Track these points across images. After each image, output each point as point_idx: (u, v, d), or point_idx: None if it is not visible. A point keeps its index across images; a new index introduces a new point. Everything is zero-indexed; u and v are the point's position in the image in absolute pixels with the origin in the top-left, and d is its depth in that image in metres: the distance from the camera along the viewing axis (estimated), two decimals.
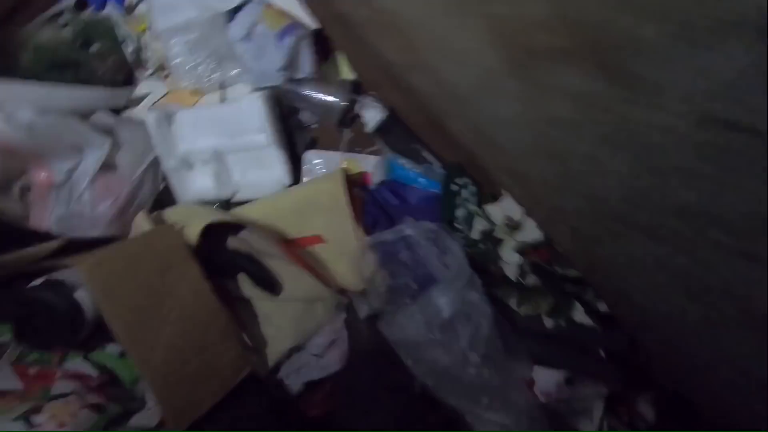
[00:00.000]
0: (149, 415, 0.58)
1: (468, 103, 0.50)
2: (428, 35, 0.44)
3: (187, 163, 0.76)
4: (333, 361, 0.75)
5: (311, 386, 0.74)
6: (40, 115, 0.59)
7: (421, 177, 0.74)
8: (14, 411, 0.48)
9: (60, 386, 0.51)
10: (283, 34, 0.64)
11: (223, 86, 0.77)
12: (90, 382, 0.54)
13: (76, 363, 0.57)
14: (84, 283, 0.52)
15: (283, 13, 0.67)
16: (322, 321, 0.74)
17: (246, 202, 0.77)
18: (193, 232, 0.65)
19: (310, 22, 0.70)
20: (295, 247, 0.72)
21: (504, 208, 0.63)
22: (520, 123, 0.42)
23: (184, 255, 0.64)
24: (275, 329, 0.73)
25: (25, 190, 0.69)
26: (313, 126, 0.83)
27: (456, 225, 0.70)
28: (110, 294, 0.53)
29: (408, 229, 0.68)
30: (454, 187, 0.70)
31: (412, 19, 0.44)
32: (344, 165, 0.80)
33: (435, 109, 0.60)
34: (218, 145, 0.75)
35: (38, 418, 0.47)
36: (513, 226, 0.60)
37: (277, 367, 0.73)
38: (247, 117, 0.73)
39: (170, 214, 0.71)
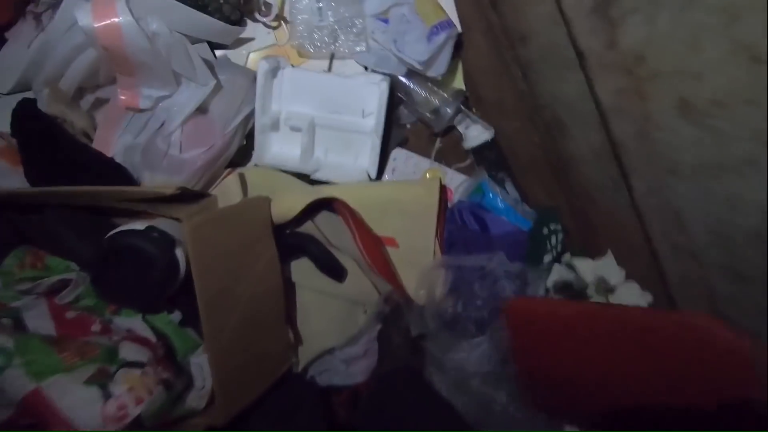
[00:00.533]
0: (199, 396, 0.52)
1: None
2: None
3: (276, 125, 0.69)
4: (358, 372, 0.73)
5: (330, 390, 0.72)
6: (164, 29, 0.50)
7: (510, 210, 0.72)
8: (79, 371, 0.41)
9: (130, 351, 0.45)
10: (437, 29, 0.60)
11: (334, 56, 0.71)
12: (156, 350, 0.47)
13: (134, 322, 0.51)
14: (185, 241, 0.46)
15: (439, 7, 0.63)
16: (362, 328, 0.71)
17: (322, 182, 0.72)
18: (289, 207, 0.59)
19: (457, 23, 0.65)
20: (376, 241, 0.67)
21: (599, 267, 0.62)
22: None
23: (268, 232, 0.59)
24: (315, 327, 0.70)
25: (98, 104, 0.60)
26: (408, 124, 0.79)
27: (537, 267, 0.69)
28: (207, 259, 0.47)
29: (493, 262, 0.66)
30: (545, 231, 0.69)
31: None
32: (429, 174, 0.77)
33: (566, 153, 0.59)
34: (317, 115, 0.69)
35: (115, 388, 0.40)
36: (608, 289, 0.60)
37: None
38: (360, 97, 0.68)
39: (252, 176, 0.65)
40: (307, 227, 0.68)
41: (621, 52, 0.40)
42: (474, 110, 0.78)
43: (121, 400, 0.40)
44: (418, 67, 0.62)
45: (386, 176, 0.76)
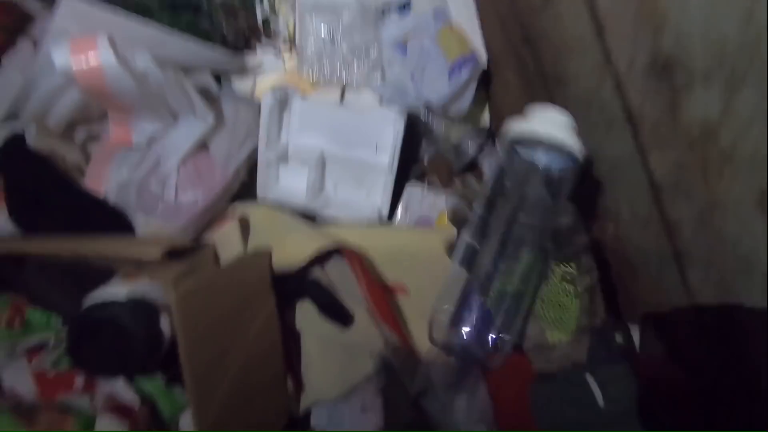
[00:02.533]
0: None
1: None
2: None
3: (284, 157, 0.64)
4: (368, 427, 0.68)
5: None
6: (156, 65, 0.46)
7: None
8: None
9: (106, 423, 0.40)
10: (460, 64, 0.53)
11: (346, 87, 0.65)
12: (136, 418, 0.43)
13: (117, 383, 0.46)
14: (170, 309, 0.41)
15: (464, 40, 0.56)
16: (365, 377, 0.67)
17: (329, 220, 0.67)
18: (293, 254, 0.55)
19: (483, 55, 0.59)
20: (384, 290, 0.62)
21: None
22: None
23: (267, 287, 0.54)
24: (316, 375, 0.65)
25: (90, 141, 0.56)
26: (426, 159, 0.73)
27: None
28: (194, 329, 0.43)
29: None
30: None
31: None
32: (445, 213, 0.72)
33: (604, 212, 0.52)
34: (327, 149, 0.63)
35: None
36: None
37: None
38: (374, 132, 0.62)
39: (254, 218, 0.60)
40: (314, 270, 0.63)
41: (683, 122, 0.33)
42: (498, 147, 0.72)
43: None
44: (437, 106, 0.56)
45: (398, 213, 0.71)
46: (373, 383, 0.68)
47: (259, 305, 0.53)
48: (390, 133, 0.62)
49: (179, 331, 0.41)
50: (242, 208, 0.62)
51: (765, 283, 0.32)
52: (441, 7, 0.57)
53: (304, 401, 0.64)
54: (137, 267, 0.45)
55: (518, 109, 0.61)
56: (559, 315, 0.52)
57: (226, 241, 0.56)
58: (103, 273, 0.46)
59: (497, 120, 0.67)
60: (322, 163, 0.64)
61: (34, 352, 0.45)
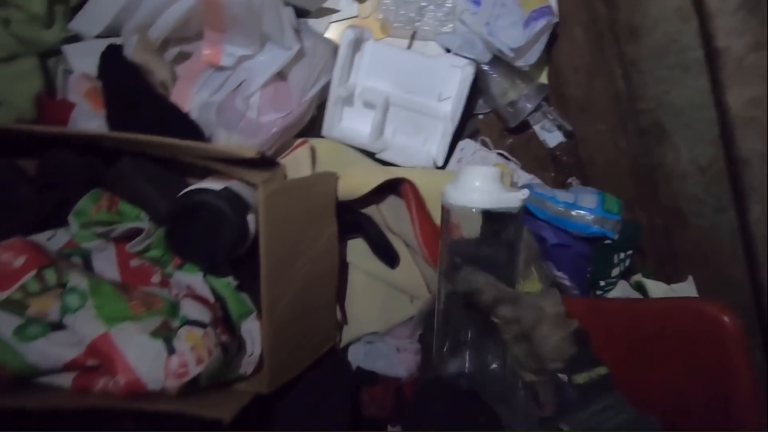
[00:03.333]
0: (248, 362, 0.52)
1: None
2: None
3: (350, 99, 0.67)
4: (404, 364, 0.71)
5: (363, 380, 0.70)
6: None
7: (571, 222, 0.67)
8: (145, 321, 0.41)
9: (192, 309, 0.44)
10: (536, 14, 0.56)
11: (416, 35, 0.68)
12: (215, 311, 0.47)
13: (195, 280, 0.50)
14: (256, 207, 0.45)
15: None
16: (404, 319, 0.70)
17: (386, 163, 0.70)
18: (357, 184, 0.58)
19: (556, 10, 0.61)
20: (435, 232, 0.65)
21: (674, 293, 0.58)
22: None
23: (332, 209, 0.58)
24: (360, 309, 0.68)
25: (180, 59, 0.59)
26: (481, 115, 0.75)
27: (601, 284, 0.65)
28: (276, 228, 0.46)
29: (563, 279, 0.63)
30: (616, 246, 0.65)
31: None
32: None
33: (659, 164, 0.54)
34: (392, 93, 0.66)
35: (179, 345, 0.40)
36: None
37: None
38: (439, 80, 0.65)
39: (322, 149, 0.63)
40: (369, 208, 0.66)
41: None
42: (552, 108, 0.74)
43: (184, 357, 0.40)
44: (508, 54, 0.59)
45: (451, 167, 0.74)
46: (411, 327, 0.72)
47: (325, 224, 0.56)
48: (455, 82, 0.64)
49: (263, 225, 0.45)
50: (312, 141, 0.66)
51: None
52: None
53: (347, 334, 0.68)
54: (227, 171, 0.49)
55: (582, 66, 0.63)
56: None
57: (297, 165, 0.59)
58: (191, 178, 0.49)
59: (556, 79, 0.69)
60: (386, 107, 0.67)
61: (126, 238, 0.49)
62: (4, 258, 0.39)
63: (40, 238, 0.49)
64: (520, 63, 0.61)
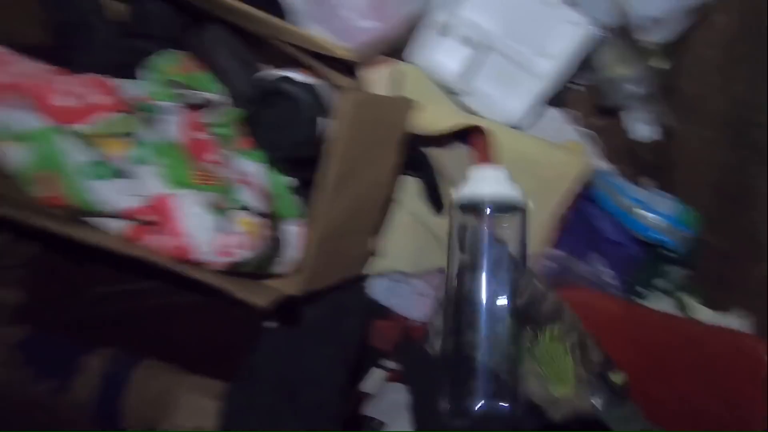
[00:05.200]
0: (284, 262, 0.52)
1: None
2: None
3: (447, 28, 0.62)
4: (421, 309, 0.72)
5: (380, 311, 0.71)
6: None
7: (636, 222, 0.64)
8: (206, 194, 0.41)
9: (250, 197, 0.44)
10: None
11: None
12: (270, 204, 0.47)
13: (255, 168, 0.50)
14: (338, 111, 0.42)
15: None
16: (433, 267, 0.70)
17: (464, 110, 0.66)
18: (434, 121, 0.55)
19: None
20: None
21: (720, 321, 0.56)
22: None
23: (401, 137, 0.55)
24: (395, 245, 0.68)
25: None
26: (575, 86, 0.69)
27: (639, 291, 0.63)
28: (349, 139, 0.44)
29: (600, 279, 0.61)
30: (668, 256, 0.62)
31: None
32: (569, 146, 0.70)
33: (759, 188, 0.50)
34: (494, 33, 0.61)
35: (234, 226, 0.40)
36: None
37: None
38: (548, 32, 0.59)
39: (405, 73, 0.59)
40: (430, 149, 0.64)
41: None
42: (657, 99, 0.68)
43: (236, 239, 0.40)
44: (642, 23, 0.52)
45: (528, 130, 0.69)
46: (436, 276, 0.72)
47: (391, 151, 0.54)
48: (566, 40, 0.59)
49: (338, 131, 0.43)
50: (399, 64, 0.62)
51: None
52: None
53: (380, 265, 0.68)
54: (310, 64, 0.46)
55: (714, 60, 0.55)
56: (557, 371, 0.53)
57: (377, 81, 0.56)
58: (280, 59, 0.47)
59: (675, 69, 0.62)
60: (485, 48, 0.62)
61: (199, 107, 0.48)
62: (82, 91, 0.38)
63: (115, 83, 0.48)
64: (650, 37, 0.54)
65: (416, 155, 0.63)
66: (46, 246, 0.72)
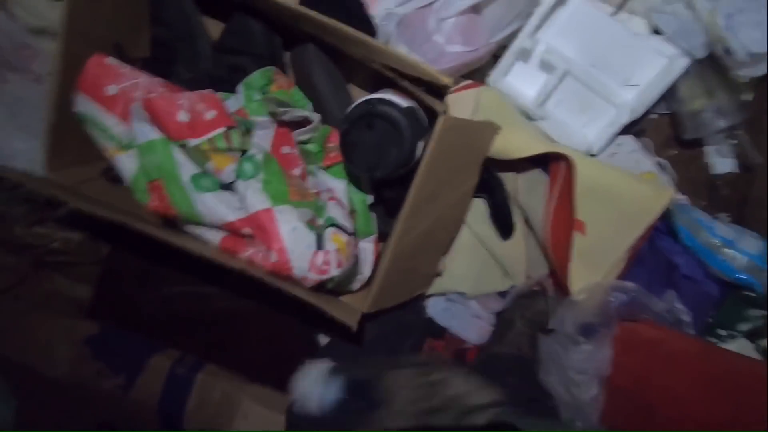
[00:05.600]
0: (358, 279, 0.53)
1: None
2: None
3: (528, 53, 0.62)
4: (476, 332, 0.71)
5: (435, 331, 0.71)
6: None
7: (719, 259, 0.61)
8: (302, 210, 0.41)
9: (339, 214, 0.44)
10: None
11: (625, 5, 0.60)
12: (353, 222, 0.47)
13: (338, 185, 0.50)
14: (434, 135, 0.43)
15: None
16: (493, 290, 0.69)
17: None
18: (514, 146, 0.55)
19: None
20: (569, 220, 0.62)
21: None
22: None
23: (481, 160, 0.55)
24: (458, 266, 0.67)
25: None
26: (655, 114, 0.68)
27: (720, 333, 0.60)
28: (437, 161, 0.45)
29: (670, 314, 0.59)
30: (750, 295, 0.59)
31: None
32: (647, 177, 0.68)
33: None
34: (576, 61, 0.60)
35: (327, 244, 0.40)
36: None
37: None
38: (634, 62, 0.58)
39: (486, 98, 0.59)
40: (507, 174, 0.63)
41: None
42: (741, 132, 0.65)
43: (329, 256, 0.41)
44: (741, 57, 0.51)
45: (601, 158, 0.68)
46: (494, 301, 0.71)
47: (470, 174, 0.54)
48: (653, 70, 0.57)
49: (429, 157, 0.43)
50: (482, 87, 0.62)
51: None
52: None
53: (441, 285, 0.68)
54: (406, 87, 0.47)
55: None
56: None
57: (460, 105, 0.56)
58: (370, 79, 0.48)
59: (763, 104, 0.60)
60: (564, 75, 0.62)
61: (284, 124, 0.49)
62: (198, 107, 0.40)
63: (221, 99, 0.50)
64: (744, 71, 0.53)
65: (491, 178, 0.63)
66: (119, 245, 0.76)
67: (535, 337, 0.66)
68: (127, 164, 0.41)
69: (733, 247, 0.57)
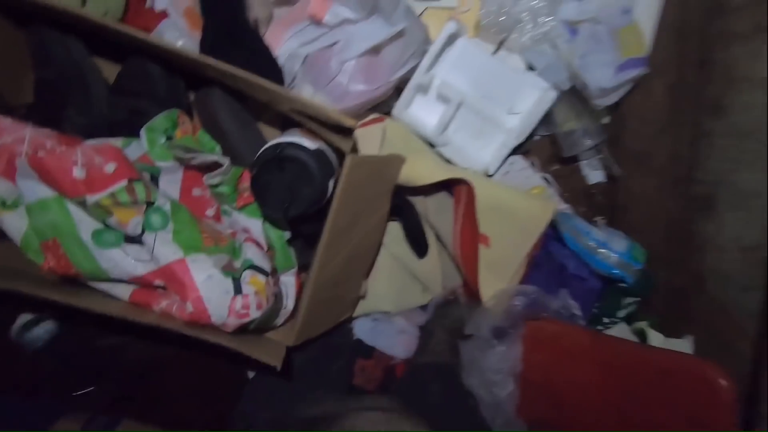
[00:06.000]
0: (282, 314, 0.53)
1: None
2: None
3: (426, 88, 0.68)
4: (403, 347, 0.75)
5: (364, 351, 0.74)
6: None
7: (597, 259, 0.72)
8: (217, 257, 0.42)
9: (255, 255, 0.45)
10: (633, 63, 0.58)
11: (502, 44, 0.69)
12: (271, 260, 0.48)
13: (254, 224, 0.51)
14: (342, 174, 0.45)
15: (643, 41, 0.61)
16: (415, 306, 0.74)
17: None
18: (419, 174, 0.59)
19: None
20: (474, 236, 0.68)
21: (670, 346, 0.63)
22: None
23: (390, 189, 0.59)
24: (380, 287, 0.71)
25: (281, 4, 0.58)
26: (538, 136, 0.78)
27: (605, 321, 0.70)
28: (348, 197, 0.48)
29: (566, 311, 0.68)
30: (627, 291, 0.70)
31: None
32: (536, 191, 0.77)
33: (698, 233, 0.59)
34: (468, 93, 0.67)
35: (245, 287, 0.41)
36: None
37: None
38: (516, 94, 0.66)
39: (392, 131, 0.64)
40: (416, 197, 0.68)
41: None
42: (606, 149, 0.77)
43: (248, 300, 0.41)
44: (594, 92, 0.61)
45: (496, 178, 0.76)
46: (417, 314, 0.76)
47: (382, 203, 0.58)
48: (531, 101, 0.66)
49: (340, 194, 0.46)
50: (387, 121, 0.66)
51: None
52: (629, 4, 0.61)
53: (364, 307, 0.71)
54: (313, 128, 0.49)
55: (652, 120, 0.65)
56: None
57: (368, 139, 0.60)
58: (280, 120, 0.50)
59: (620, 124, 0.72)
60: (459, 106, 0.68)
61: (192, 168, 0.49)
62: (96, 161, 0.38)
63: (113, 143, 0.48)
64: (598, 102, 0.63)
65: (402, 203, 0.67)
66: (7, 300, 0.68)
67: (455, 344, 0.71)
68: (14, 223, 0.38)
69: (606, 248, 0.67)
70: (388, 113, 0.70)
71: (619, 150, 0.75)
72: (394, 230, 0.70)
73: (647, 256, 0.68)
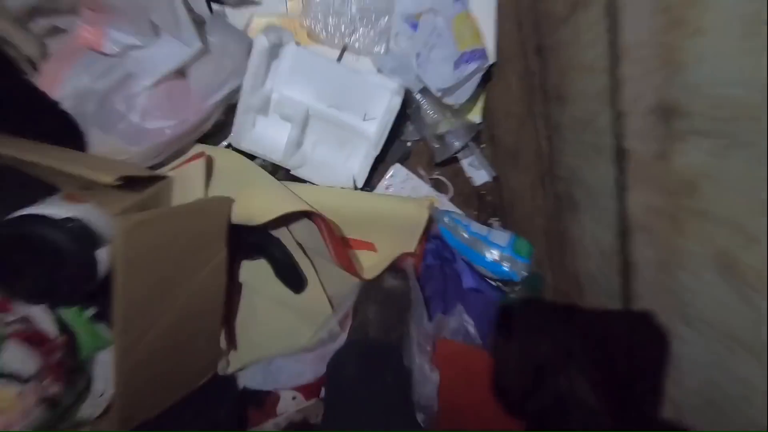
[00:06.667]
0: (96, 403, 0.46)
1: None
2: None
3: (266, 107, 0.60)
4: (309, 370, 0.67)
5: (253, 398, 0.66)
6: None
7: (481, 257, 0.66)
8: None
9: (14, 357, 0.37)
10: (468, 57, 0.52)
11: (346, 48, 0.62)
12: (51, 353, 0.40)
13: (35, 308, 0.42)
14: (114, 242, 0.37)
15: (477, 33, 0.54)
16: (304, 346, 0.66)
17: (301, 180, 0.65)
18: (258, 210, 0.52)
19: (492, 53, 0.58)
20: (348, 247, 0.62)
21: None
22: None
23: (221, 237, 0.52)
24: (257, 335, 0.64)
25: (52, 35, 0.49)
26: (410, 142, 0.71)
27: None
28: (136, 266, 0.40)
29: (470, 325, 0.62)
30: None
31: None
32: (425, 201, 0.71)
33: (568, 232, 0.54)
34: (313, 106, 0.60)
35: None
36: None
37: None
38: (367, 98, 0.59)
39: (221, 161, 0.56)
40: (278, 230, 0.61)
41: (670, 169, 0.34)
42: (484, 146, 0.71)
43: None
44: (435, 92, 0.54)
45: (378, 190, 0.70)
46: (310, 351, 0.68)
47: (210, 254, 0.50)
48: (383, 104, 0.59)
49: (118, 265, 0.38)
50: (211, 150, 0.58)
51: (703, 336, 0.34)
52: None
53: (241, 359, 0.63)
54: (84, 189, 0.41)
55: (513, 114, 0.60)
56: None
57: (189, 180, 0.52)
58: (43, 188, 0.41)
59: (490, 120, 0.66)
60: (305, 121, 0.61)
61: None
62: None
63: None
64: (448, 101, 0.57)
65: (263, 239, 0.60)
66: None
67: (388, 314, 0.64)
68: None
69: (486, 242, 0.62)
70: (229, 145, 0.63)
71: (496, 147, 0.69)
72: (262, 270, 0.62)
73: (533, 250, 0.62)
